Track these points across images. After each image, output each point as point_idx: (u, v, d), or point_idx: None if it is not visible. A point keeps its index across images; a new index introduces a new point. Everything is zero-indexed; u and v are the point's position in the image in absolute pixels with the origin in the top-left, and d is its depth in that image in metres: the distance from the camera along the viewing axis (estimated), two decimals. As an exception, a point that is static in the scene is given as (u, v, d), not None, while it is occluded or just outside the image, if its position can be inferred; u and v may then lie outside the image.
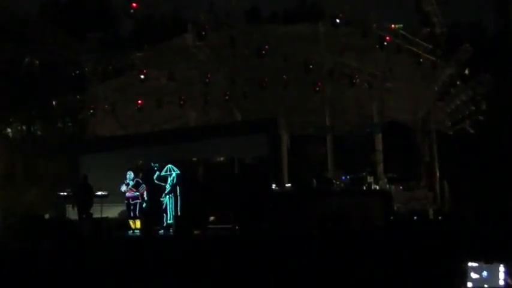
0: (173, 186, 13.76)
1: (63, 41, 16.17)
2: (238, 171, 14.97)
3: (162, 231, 13.47)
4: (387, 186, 15.94)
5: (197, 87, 18.27)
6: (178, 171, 13.81)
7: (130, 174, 13.87)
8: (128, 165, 15.17)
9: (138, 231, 13.55)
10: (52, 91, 18.19)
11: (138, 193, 13.76)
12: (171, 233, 13.13)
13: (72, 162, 17.08)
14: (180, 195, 13.70)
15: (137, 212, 13.69)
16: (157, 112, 18.98)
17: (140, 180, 13.88)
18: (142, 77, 16.42)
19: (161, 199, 13.91)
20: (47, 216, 15.03)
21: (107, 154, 16.47)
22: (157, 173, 14.04)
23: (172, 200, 13.65)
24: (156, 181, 14.01)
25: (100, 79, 18.16)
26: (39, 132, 19.35)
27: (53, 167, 18.20)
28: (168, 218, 13.61)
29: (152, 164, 14.46)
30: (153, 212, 13.73)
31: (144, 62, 16.99)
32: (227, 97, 18.33)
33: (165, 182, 13.89)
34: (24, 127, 19.81)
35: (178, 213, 13.63)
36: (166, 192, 13.73)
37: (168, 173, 13.80)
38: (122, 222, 14.36)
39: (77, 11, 20.38)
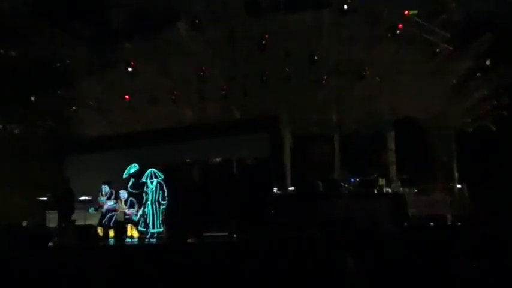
0: (156, 194, 13.33)
1: (47, 33, 16.04)
2: (237, 173, 15.02)
3: (148, 240, 13.23)
4: (400, 189, 15.99)
5: (193, 83, 18.15)
6: (162, 177, 13.38)
7: (105, 188, 14.13)
8: (120, 167, 14.97)
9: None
10: (35, 87, 18.02)
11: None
12: (157, 242, 12.91)
13: (58, 164, 17.10)
14: (167, 201, 13.33)
15: (111, 224, 13.99)
16: (150, 110, 18.93)
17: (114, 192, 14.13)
18: (130, 69, 16.20)
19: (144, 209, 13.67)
20: (24, 223, 14.81)
21: (95, 155, 16.56)
22: (132, 180, 13.84)
23: (157, 207, 13.33)
24: (130, 189, 13.83)
25: (88, 74, 18.02)
26: (16, 131, 19.13)
27: (36, 169, 17.93)
28: (153, 227, 13.29)
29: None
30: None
31: (135, 55, 16.81)
32: (225, 93, 18.17)
33: (142, 188, 13.51)
34: (2, 126, 19.58)
35: (169, 220, 13.34)
36: (149, 201, 13.36)
37: (149, 179, 13.37)
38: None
39: (61, 0, 20.38)
